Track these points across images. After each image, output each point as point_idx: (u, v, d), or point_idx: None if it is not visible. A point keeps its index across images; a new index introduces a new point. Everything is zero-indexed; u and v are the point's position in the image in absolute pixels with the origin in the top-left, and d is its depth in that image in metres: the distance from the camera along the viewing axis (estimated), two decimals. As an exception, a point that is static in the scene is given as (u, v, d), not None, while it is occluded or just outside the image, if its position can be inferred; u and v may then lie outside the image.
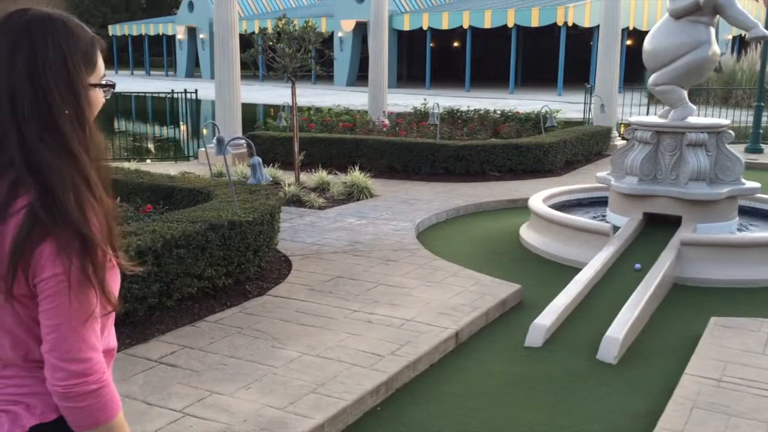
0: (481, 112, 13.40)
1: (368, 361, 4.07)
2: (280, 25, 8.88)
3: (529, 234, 7.05)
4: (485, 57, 40.96)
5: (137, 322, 4.37)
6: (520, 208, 8.30)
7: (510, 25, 32.61)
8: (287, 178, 9.15)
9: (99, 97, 1.42)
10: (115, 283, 1.43)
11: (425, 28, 35.74)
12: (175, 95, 13.30)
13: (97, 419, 1.34)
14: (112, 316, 1.50)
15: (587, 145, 12.01)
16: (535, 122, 12.58)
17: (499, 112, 13.44)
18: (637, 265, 5.65)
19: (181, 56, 47.84)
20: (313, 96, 27.65)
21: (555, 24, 31.17)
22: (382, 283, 5.52)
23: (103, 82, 1.43)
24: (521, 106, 18.25)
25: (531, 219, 7.18)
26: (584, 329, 4.84)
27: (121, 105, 23.37)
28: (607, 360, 4.39)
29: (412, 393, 3.96)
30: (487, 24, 33.44)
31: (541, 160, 10.50)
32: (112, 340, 1.51)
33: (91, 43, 1.40)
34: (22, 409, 1.38)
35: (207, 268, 4.84)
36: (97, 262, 1.31)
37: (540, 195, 7.47)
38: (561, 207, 7.46)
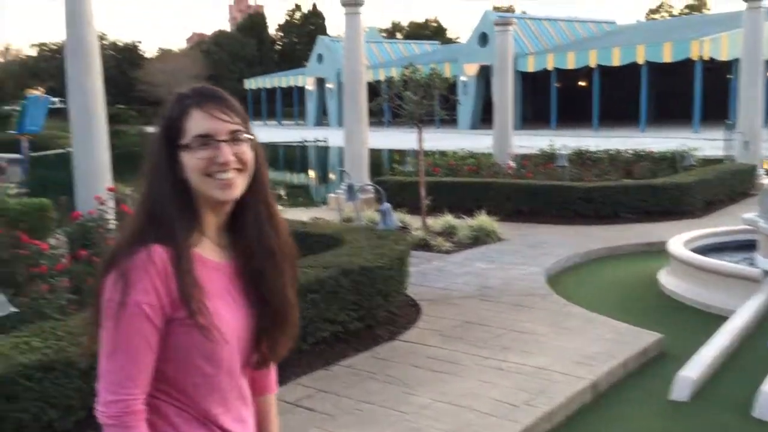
0: (611, 151, 13.01)
1: (502, 410, 3.97)
2: (407, 74, 9.10)
3: (668, 279, 6.68)
4: (613, 95, 39.83)
5: (274, 365, 4.51)
6: (657, 251, 7.89)
7: (640, 61, 31.63)
8: (414, 222, 9.24)
9: (191, 158, 1.44)
10: (195, 344, 1.42)
11: (550, 68, 35.36)
12: (306, 143, 13.88)
13: None
14: (216, 380, 1.47)
15: (729, 185, 11.31)
16: (671, 161, 12.02)
17: (630, 151, 12.98)
18: None
19: (311, 106, 50.02)
20: (436, 140, 27.91)
21: (689, 58, 29.88)
22: (513, 330, 5.40)
23: (186, 143, 1.45)
24: (654, 144, 17.52)
25: (670, 263, 6.82)
26: (736, 383, 4.49)
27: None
28: (764, 418, 4.04)
29: (549, 446, 3.82)
30: (616, 62, 32.61)
31: (678, 200, 9.99)
32: (213, 407, 1.48)
33: (175, 111, 1.47)
34: None
35: (339, 313, 4.94)
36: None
37: (680, 238, 7.09)
38: (703, 250, 7.03)
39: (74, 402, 3.49)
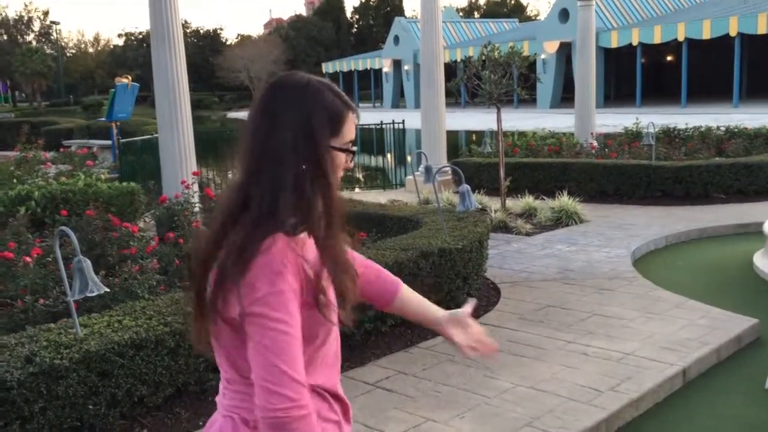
0: (702, 129, 12.40)
1: (586, 396, 3.86)
2: (485, 52, 8.92)
3: (765, 262, 6.33)
4: (703, 70, 38.00)
5: (354, 346, 4.55)
6: (753, 233, 7.50)
7: (732, 34, 30.00)
8: (493, 204, 9.10)
9: (342, 157, 1.52)
10: (313, 322, 1.45)
11: (635, 43, 34.04)
12: (384, 126, 13.87)
13: None
14: (323, 354, 1.51)
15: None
16: (767, 138, 11.37)
17: (723, 128, 12.34)
18: None
19: (387, 88, 49.99)
20: (515, 120, 27.42)
21: (786, 29, 28.13)
22: (597, 314, 5.25)
23: (344, 147, 1.52)
24: (748, 120, 16.61)
25: (767, 245, 6.46)
26: (841, 373, 4.21)
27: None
28: None
29: (636, 434, 3.69)
30: (706, 35, 31.04)
31: (775, 179, 9.45)
32: (323, 378, 1.52)
33: (338, 111, 1.50)
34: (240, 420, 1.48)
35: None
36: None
37: (777, 219, 6.70)
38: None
39: (164, 379, 3.62)
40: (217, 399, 1.60)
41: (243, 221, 1.43)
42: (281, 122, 1.46)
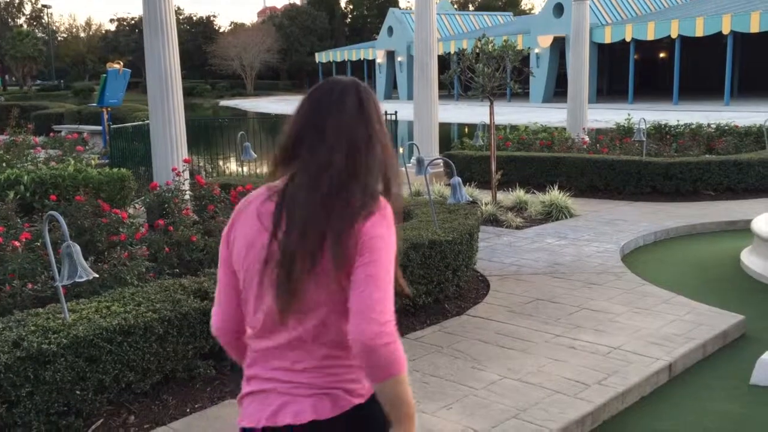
0: (693, 126, 12.45)
1: (572, 389, 3.89)
2: (479, 45, 8.91)
3: (752, 259, 6.39)
4: (695, 67, 38.15)
5: (343, 336, 4.55)
6: (741, 230, 7.57)
7: (725, 32, 30.10)
8: (484, 197, 9.12)
9: None
10: None
11: (628, 39, 34.11)
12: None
13: (390, 371, 1.51)
14: None
15: (821, 161, 10.67)
16: (757, 136, 11.43)
17: (713, 125, 12.39)
18: None
19: (381, 79, 49.90)
20: (508, 113, 27.44)
21: (779, 28, 28.23)
22: (585, 308, 5.28)
23: None
24: (739, 118, 16.68)
25: (754, 243, 6.51)
26: (824, 370, 4.25)
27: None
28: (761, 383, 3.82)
29: (621, 427, 3.72)
30: (699, 32, 31.14)
31: (765, 177, 9.52)
32: None
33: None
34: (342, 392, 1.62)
35: (408, 287, 4.92)
36: None
37: (765, 216, 6.75)
38: (791, 230, 6.67)
39: (151, 365, 3.62)
40: (278, 386, 1.63)
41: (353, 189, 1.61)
42: (360, 111, 1.68)
